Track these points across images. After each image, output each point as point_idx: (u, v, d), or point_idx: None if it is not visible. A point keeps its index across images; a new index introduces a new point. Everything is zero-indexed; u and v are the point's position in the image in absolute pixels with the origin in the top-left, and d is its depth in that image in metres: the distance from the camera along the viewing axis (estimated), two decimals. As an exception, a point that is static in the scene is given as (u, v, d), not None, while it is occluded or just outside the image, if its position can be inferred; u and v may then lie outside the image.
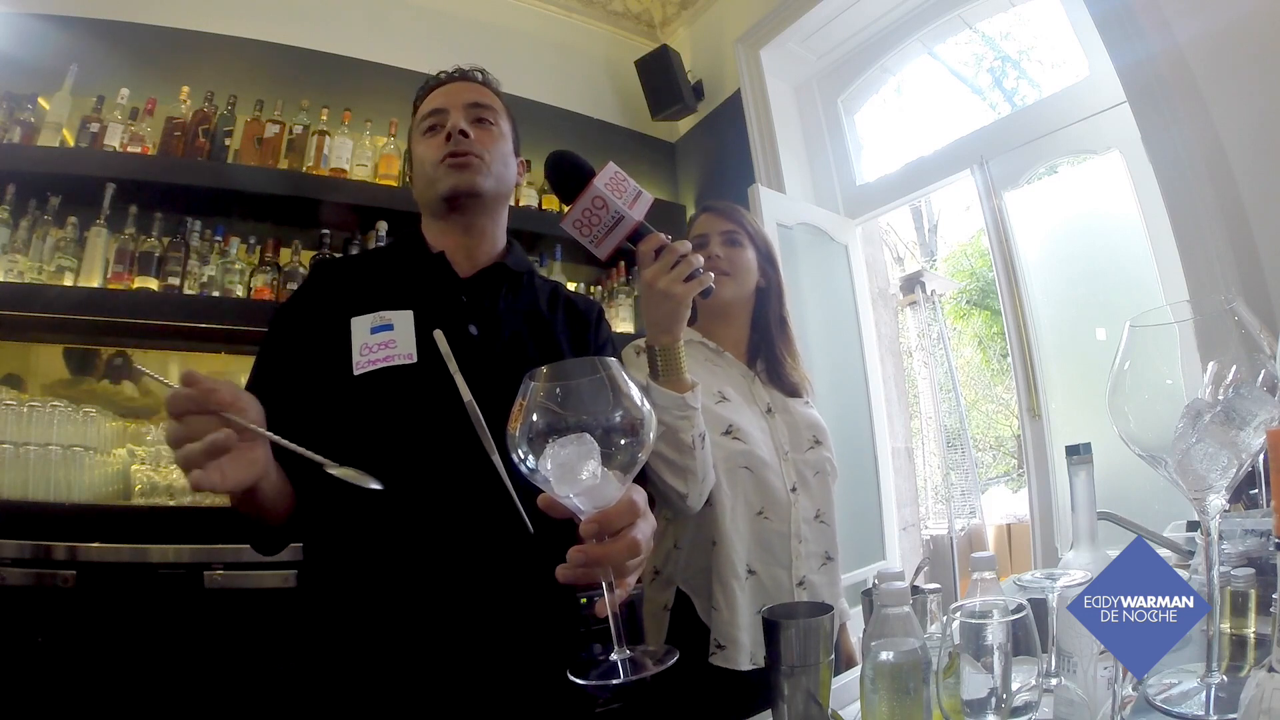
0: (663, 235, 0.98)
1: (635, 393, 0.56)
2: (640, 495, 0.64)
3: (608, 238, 0.95)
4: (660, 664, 0.57)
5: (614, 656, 0.57)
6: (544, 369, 0.55)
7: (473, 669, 0.87)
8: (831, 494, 1.34)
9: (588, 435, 0.53)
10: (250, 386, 0.95)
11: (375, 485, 0.73)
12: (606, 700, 1.54)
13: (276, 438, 0.70)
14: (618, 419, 0.54)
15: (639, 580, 1.29)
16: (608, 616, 0.59)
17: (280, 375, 0.94)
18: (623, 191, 0.94)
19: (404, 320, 0.94)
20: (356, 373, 0.91)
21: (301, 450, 0.71)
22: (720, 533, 1.20)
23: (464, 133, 1.01)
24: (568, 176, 0.95)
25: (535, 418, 0.53)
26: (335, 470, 0.71)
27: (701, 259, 1.00)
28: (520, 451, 0.54)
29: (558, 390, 0.54)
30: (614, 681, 0.56)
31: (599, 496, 0.56)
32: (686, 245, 0.98)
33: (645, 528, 0.64)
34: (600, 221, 0.94)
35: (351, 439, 0.90)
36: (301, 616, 0.93)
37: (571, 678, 0.57)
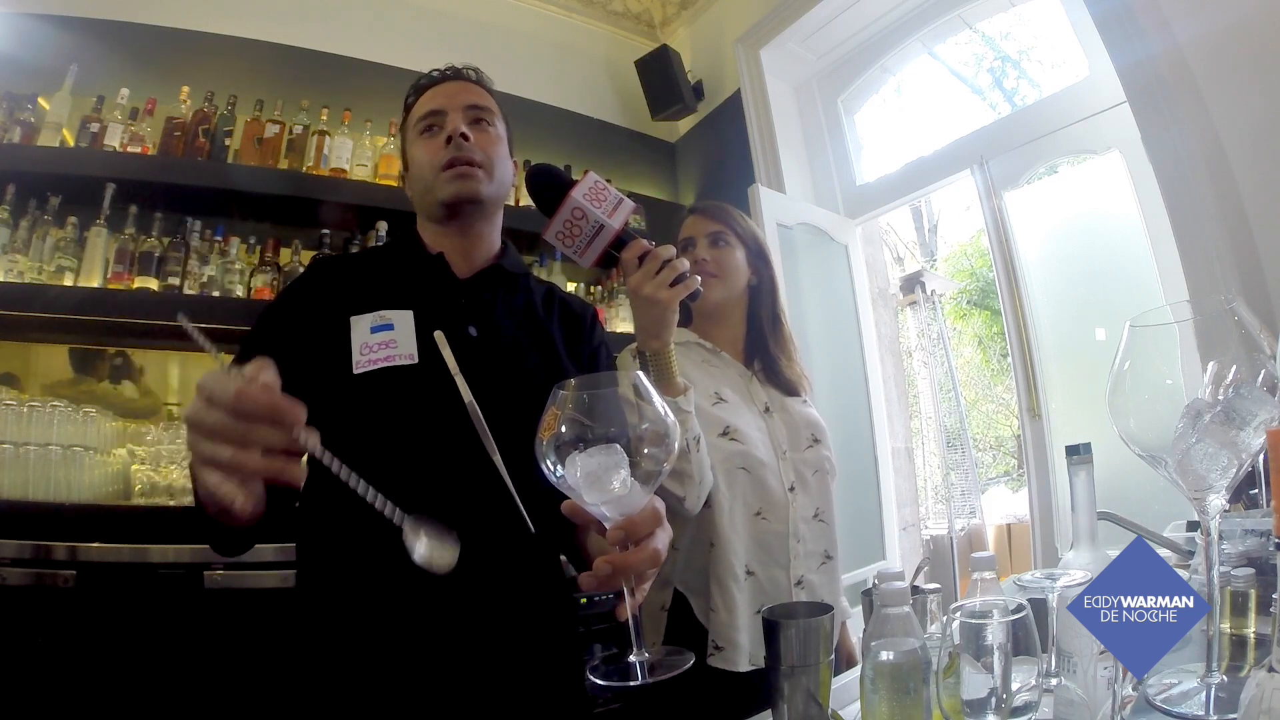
0: (646, 241, 0.98)
1: (660, 404, 0.58)
2: (660, 503, 0.65)
3: (590, 247, 0.95)
4: (676, 668, 0.58)
5: (632, 658, 0.58)
6: (573, 380, 0.57)
7: (473, 669, 0.87)
8: (831, 493, 1.34)
9: (617, 445, 0.55)
10: None
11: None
12: (606, 700, 1.54)
13: (351, 475, 0.63)
14: (644, 430, 0.56)
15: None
16: (628, 620, 0.60)
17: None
18: (602, 200, 0.95)
19: (404, 320, 0.94)
20: (356, 371, 0.90)
21: (376, 500, 0.65)
22: (718, 534, 1.20)
23: (464, 136, 1.00)
24: (546, 190, 0.96)
25: (564, 428, 0.55)
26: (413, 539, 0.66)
27: (687, 263, 1.00)
28: (550, 461, 0.56)
29: (586, 401, 0.56)
30: (633, 683, 0.57)
31: (626, 505, 0.58)
32: (670, 250, 0.98)
33: (664, 537, 0.65)
34: (582, 232, 0.94)
35: (351, 438, 0.90)
36: (300, 617, 0.93)
37: (591, 677, 0.58)
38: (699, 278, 1.01)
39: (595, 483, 0.55)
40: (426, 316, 0.95)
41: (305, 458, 0.68)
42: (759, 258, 1.40)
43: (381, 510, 0.64)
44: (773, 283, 1.41)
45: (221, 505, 0.63)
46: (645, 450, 0.56)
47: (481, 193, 1.00)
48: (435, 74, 1.09)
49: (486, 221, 1.06)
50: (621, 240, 0.96)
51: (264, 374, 0.59)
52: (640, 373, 0.59)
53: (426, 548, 0.67)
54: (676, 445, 0.58)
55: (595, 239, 0.95)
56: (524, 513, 0.84)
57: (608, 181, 0.98)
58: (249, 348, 0.96)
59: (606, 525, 0.59)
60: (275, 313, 1.00)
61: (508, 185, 1.07)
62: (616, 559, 0.60)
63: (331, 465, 0.62)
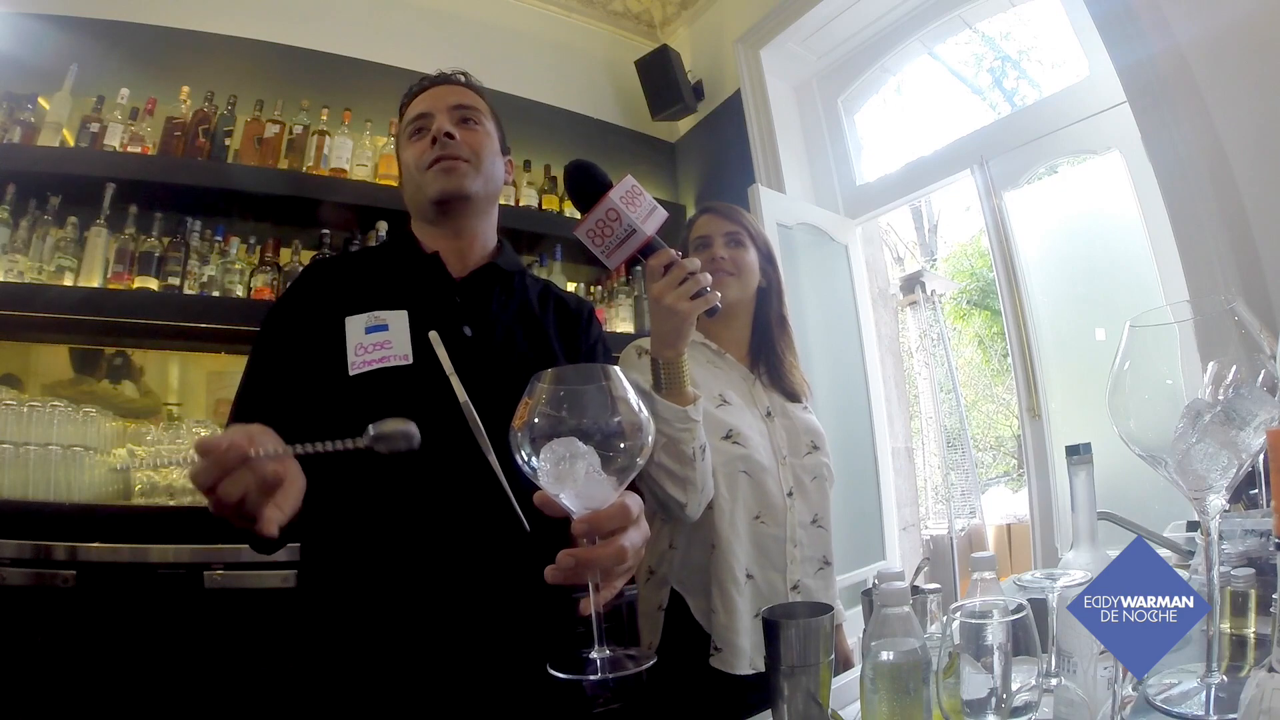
0: (673, 251, 0.99)
1: (634, 400, 0.58)
2: (635, 501, 0.65)
3: (619, 249, 0.97)
4: (638, 665, 0.59)
5: (593, 654, 0.58)
6: (549, 372, 0.57)
7: (471, 668, 0.87)
8: (829, 499, 1.34)
9: (576, 439, 0.55)
10: (244, 389, 0.95)
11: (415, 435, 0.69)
12: (606, 700, 1.53)
13: (308, 448, 0.66)
14: (615, 425, 0.56)
15: (632, 580, 1.29)
16: (590, 615, 0.60)
17: (275, 376, 0.94)
18: (637, 206, 0.96)
19: (399, 320, 0.94)
20: (352, 373, 0.91)
21: (333, 446, 0.66)
22: (719, 536, 1.20)
23: (449, 135, 1.01)
24: (585, 187, 0.97)
25: (537, 419, 0.56)
26: (371, 436, 0.67)
27: (710, 277, 1.01)
28: (524, 452, 0.56)
29: (560, 394, 0.56)
30: (592, 677, 0.58)
31: (589, 498, 0.58)
32: (696, 263, 1.00)
33: (635, 535, 0.64)
34: (613, 233, 0.95)
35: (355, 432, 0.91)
36: (300, 617, 0.93)
37: (551, 671, 0.59)
38: (719, 294, 1.02)
39: (557, 473, 0.56)
40: (421, 316, 0.95)
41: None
42: (768, 260, 1.41)
43: (347, 448, 0.66)
44: (779, 285, 1.43)
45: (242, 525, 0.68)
46: (618, 444, 0.56)
47: (468, 188, 1.01)
48: (425, 80, 1.10)
49: (479, 219, 1.06)
50: (650, 247, 0.97)
51: (216, 447, 0.64)
52: (617, 368, 0.60)
53: (390, 427, 0.68)
54: (650, 440, 0.58)
55: (625, 242, 0.96)
56: (519, 511, 0.84)
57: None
58: (256, 358, 0.97)
59: (573, 518, 0.60)
60: (274, 320, 1.00)
61: (498, 182, 1.08)
62: (580, 552, 0.60)
63: (301, 449, 0.65)
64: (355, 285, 0.99)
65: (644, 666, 0.59)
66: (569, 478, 0.56)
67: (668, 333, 1.03)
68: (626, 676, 0.58)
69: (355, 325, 0.93)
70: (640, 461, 0.58)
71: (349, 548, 0.91)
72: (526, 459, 0.56)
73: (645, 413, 0.58)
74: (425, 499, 0.89)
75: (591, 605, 0.60)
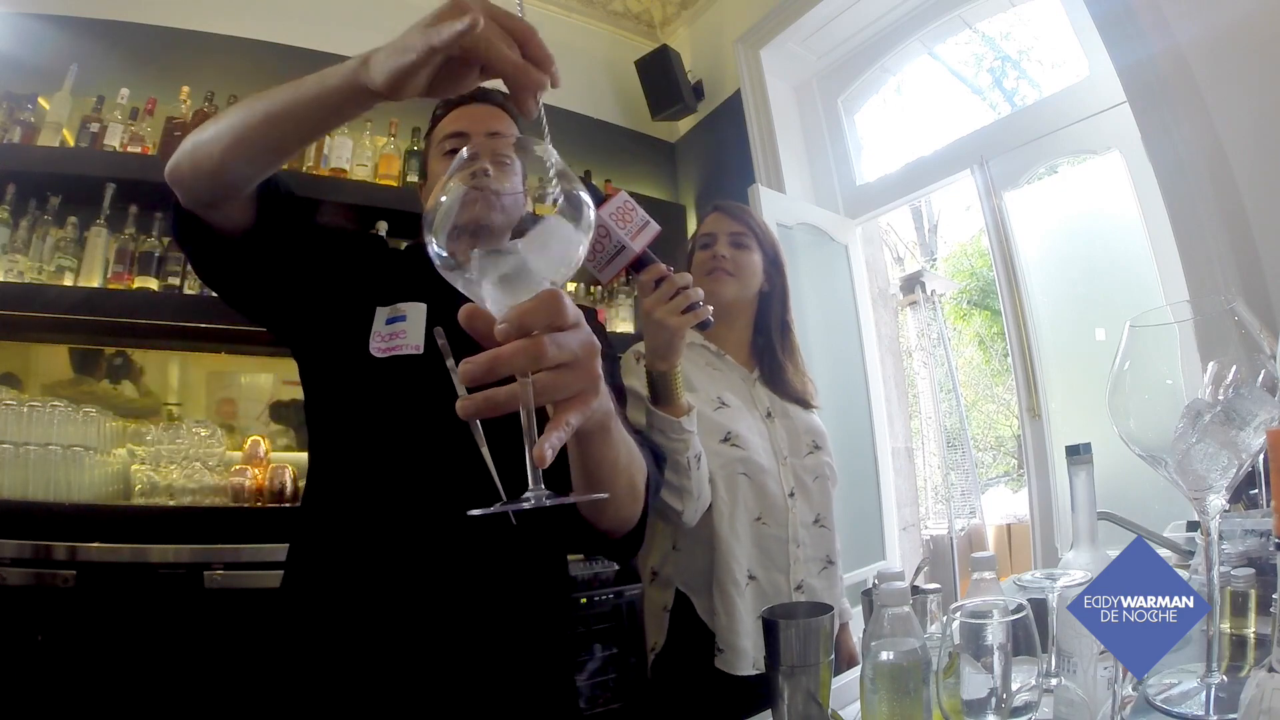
0: (664, 266, 1.00)
1: (554, 156, 0.47)
2: (574, 308, 0.50)
3: (610, 265, 0.98)
4: (575, 495, 0.51)
5: (528, 494, 0.47)
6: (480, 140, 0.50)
7: (463, 665, 0.87)
8: (831, 499, 1.34)
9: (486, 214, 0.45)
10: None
11: None
12: (606, 700, 1.54)
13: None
14: (527, 203, 0.45)
15: (637, 580, 1.29)
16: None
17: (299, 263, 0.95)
18: (628, 222, 0.97)
19: (417, 312, 0.97)
20: (371, 353, 0.95)
21: None
22: (719, 539, 1.20)
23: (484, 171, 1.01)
24: None
25: (444, 198, 0.46)
26: None
27: (701, 292, 1.02)
28: (436, 241, 0.47)
29: (473, 170, 0.47)
30: (526, 505, 0.46)
31: (512, 290, 0.45)
32: (687, 278, 1.01)
33: (571, 338, 0.48)
34: (604, 249, 0.97)
35: (356, 419, 0.95)
36: (286, 617, 0.94)
37: (470, 513, 0.49)
38: (711, 308, 1.03)
39: (458, 262, 0.44)
40: (437, 312, 0.97)
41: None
42: (774, 265, 1.41)
43: None
44: (784, 291, 1.42)
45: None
46: (531, 224, 0.45)
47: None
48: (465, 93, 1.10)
49: None
50: (641, 262, 0.98)
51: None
52: (543, 140, 0.52)
53: None
54: (591, 216, 0.46)
55: (615, 258, 0.97)
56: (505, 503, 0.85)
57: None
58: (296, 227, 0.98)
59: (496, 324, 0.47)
60: (324, 242, 1.01)
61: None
62: (475, 358, 0.46)
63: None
64: (389, 276, 1.03)
65: (590, 497, 0.53)
66: (472, 264, 0.44)
67: (660, 346, 1.04)
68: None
69: (380, 314, 0.98)
70: (574, 255, 0.46)
71: (341, 547, 0.92)
72: (439, 249, 0.47)
73: (580, 190, 0.47)
74: (418, 487, 0.91)
75: (524, 431, 0.46)
